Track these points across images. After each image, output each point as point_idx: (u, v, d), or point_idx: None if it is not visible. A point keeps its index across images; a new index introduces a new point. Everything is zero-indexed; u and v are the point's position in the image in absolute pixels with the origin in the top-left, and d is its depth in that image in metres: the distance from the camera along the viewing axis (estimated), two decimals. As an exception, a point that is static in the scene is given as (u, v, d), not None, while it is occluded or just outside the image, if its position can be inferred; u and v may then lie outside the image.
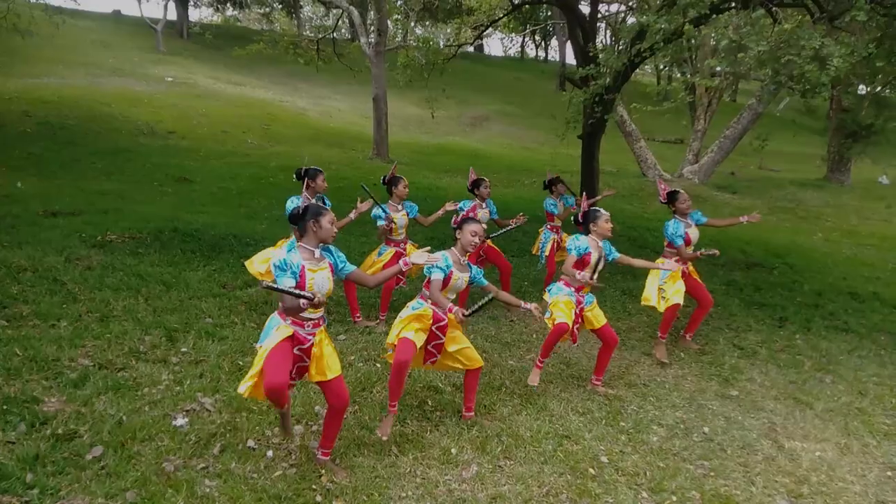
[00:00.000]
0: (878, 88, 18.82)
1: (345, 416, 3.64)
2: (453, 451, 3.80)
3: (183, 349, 4.66)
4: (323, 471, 3.44)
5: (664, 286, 5.58)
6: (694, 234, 5.63)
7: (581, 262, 4.70)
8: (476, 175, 6.36)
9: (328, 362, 3.36)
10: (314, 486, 3.31)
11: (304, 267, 3.23)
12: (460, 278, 3.95)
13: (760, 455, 4.16)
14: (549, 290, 4.85)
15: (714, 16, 7.77)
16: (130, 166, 12.31)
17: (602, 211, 4.84)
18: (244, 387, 3.25)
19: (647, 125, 21.52)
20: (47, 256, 6.02)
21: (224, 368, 4.41)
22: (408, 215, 5.86)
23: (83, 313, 4.97)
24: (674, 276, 5.53)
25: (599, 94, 8.13)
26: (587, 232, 4.81)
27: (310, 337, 3.32)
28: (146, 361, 4.39)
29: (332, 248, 3.49)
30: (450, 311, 3.74)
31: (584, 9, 10.65)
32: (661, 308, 5.56)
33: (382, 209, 5.63)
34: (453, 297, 3.99)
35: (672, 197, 5.68)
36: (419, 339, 3.83)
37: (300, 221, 3.39)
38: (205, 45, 27.23)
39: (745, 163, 21.59)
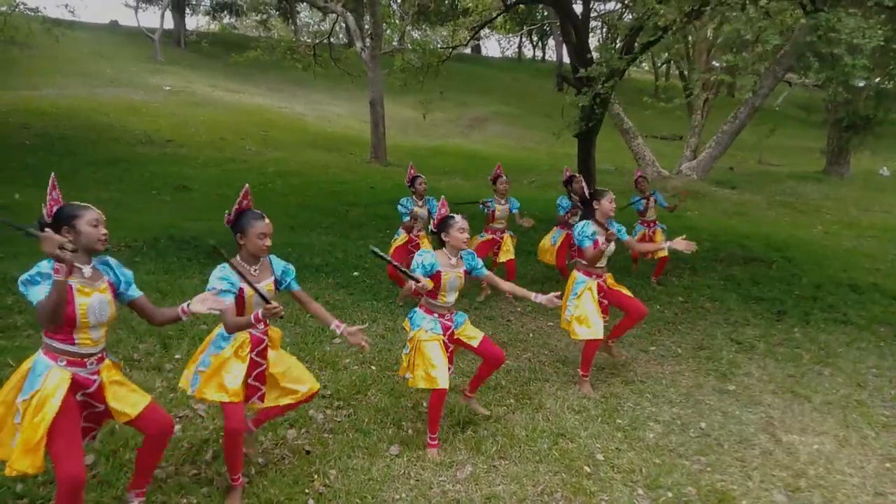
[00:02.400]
0: (878, 79, 18.78)
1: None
2: (448, 451, 3.79)
3: (177, 356, 4.66)
4: (316, 475, 3.44)
5: (577, 310, 4.73)
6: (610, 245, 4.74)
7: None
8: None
9: (129, 398, 2.77)
10: (307, 491, 3.30)
11: (71, 287, 2.54)
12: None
13: (758, 449, 4.14)
14: (409, 319, 3.98)
15: (710, 8, 7.74)
16: (129, 175, 12.35)
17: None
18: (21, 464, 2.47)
19: (645, 122, 21.50)
20: (43, 267, 6.03)
21: (218, 374, 4.40)
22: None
23: (78, 322, 4.96)
24: (590, 292, 4.75)
25: (598, 94, 8.10)
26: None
27: (94, 377, 2.68)
28: (140, 369, 4.39)
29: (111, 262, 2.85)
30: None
31: (578, 8, 10.67)
32: (568, 328, 4.83)
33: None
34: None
35: (596, 195, 4.81)
36: (237, 380, 3.08)
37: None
38: (202, 53, 27.39)
39: (745, 158, 21.54)
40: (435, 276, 3.77)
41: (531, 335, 5.90)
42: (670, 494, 3.58)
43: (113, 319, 2.74)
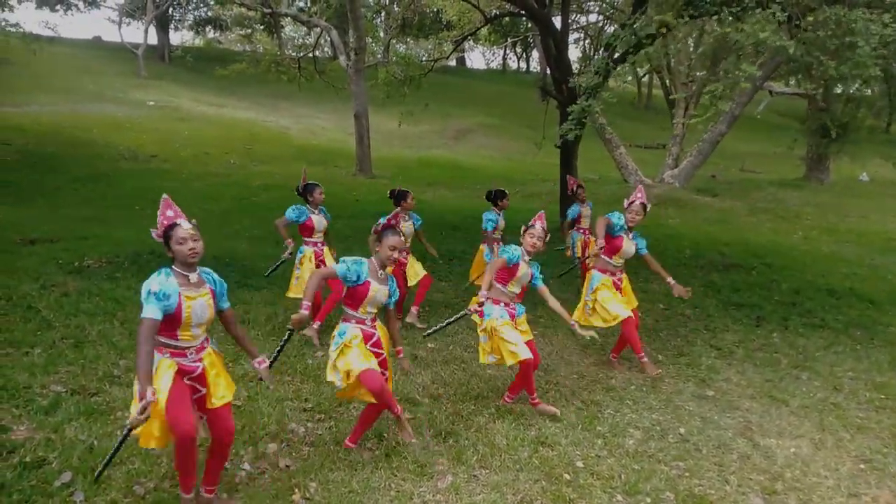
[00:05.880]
0: (856, 86, 19.02)
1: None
2: (428, 462, 3.81)
3: (158, 372, 4.64)
4: (296, 489, 3.44)
5: (595, 298, 5.30)
6: (629, 247, 5.34)
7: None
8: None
9: (220, 388, 3.15)
10: (287, 504, 3.31)
11: (180, 293, 3.02)
12: (379, 291, 3.69)
13: (735, 454, 4.19)
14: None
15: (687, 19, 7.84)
16: (111, 191, 12.29)
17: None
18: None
19: (629, 132, 21.74)
20: (22, 284, 5.99)
21: (199, 389, 4.39)
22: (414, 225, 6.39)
23: (57, 340, 4.94)
24: (605, 286, 5.30)
25: (593, 97, 8.11)
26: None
27: (196, 364, 3.10)
28: (120, 385, 4.37)
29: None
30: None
31: (557, 20, 10.79)
32: (586, 321, 5.28)
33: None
34: (374, 310, 3.75)
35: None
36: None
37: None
38: (186, 68, 27.35)
39: (727, 165, 21.83)
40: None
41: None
42: (649, 500, 3.62)
43: (211, 321, 3.15)
